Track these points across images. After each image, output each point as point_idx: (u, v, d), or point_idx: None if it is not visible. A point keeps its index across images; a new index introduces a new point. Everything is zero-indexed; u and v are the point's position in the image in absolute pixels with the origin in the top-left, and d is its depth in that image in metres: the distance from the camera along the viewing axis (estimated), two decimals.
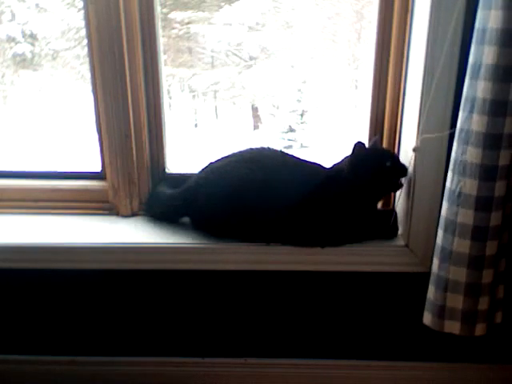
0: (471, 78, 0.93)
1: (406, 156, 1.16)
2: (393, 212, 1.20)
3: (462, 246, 1.00)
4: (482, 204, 0.96)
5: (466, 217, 0.97)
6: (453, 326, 1.06)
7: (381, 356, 1.33)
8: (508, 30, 0.86)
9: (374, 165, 1.11)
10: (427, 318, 1.09)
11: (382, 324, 1.30)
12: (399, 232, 1.21)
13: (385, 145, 1.24)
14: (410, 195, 1.14)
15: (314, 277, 1.25)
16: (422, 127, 1.07)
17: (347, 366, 1.34)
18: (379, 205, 1.28)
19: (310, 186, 1.12)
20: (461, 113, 0.96)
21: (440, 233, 1.04)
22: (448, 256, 1.02)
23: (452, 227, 1.00)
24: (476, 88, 0.92)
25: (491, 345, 1.30)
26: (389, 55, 1.18)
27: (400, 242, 1.19)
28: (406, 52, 1.15)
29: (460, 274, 1.01)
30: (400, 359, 1.33)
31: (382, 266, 1.20)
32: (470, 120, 0.93)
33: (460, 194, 0.97)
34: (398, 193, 1.21)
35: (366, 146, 1.15)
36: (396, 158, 1.15)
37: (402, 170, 1.13)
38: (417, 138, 1.08)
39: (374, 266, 1.19)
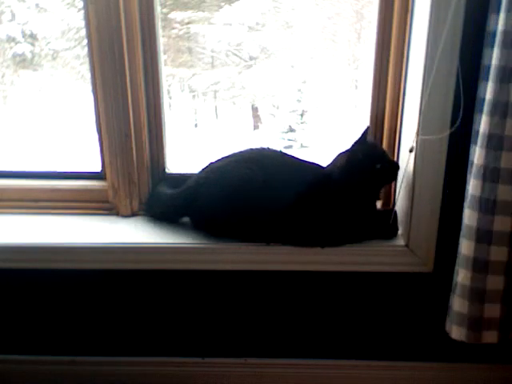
0: (502, 82, 0.89)
1: (406, 157, 1.16)
2: (392, 212, 1.20)
3: (500, 254, 0.97)
4: None
5: (504, 224, 0.95)
6: (490, 336, 1.04)
7: (381, 356, 1.33)
8: None
9: (363, 170, 1.10)
10: (459, 332, 1.06)
11: (382, 324, 1.30)
12: (399, 232, 1.21)
13: (385, 145, 1.24)
14: (410, 195, 1.14)
15: (314, 277, 1.25)
16: (422, 127, 1.07)
17: (347, 366, 1.34)
18: (379, 205, 1.28)
19: (309, 186, 1.12)
20: (487, 118, 0.92)
21: (469, 243, 1.00)
22: (484, 266, 0.99)
23: (487, 236, 0.97)
24: (509, 93, 0.89)
25: (491, 345, 1.30)
26: (389, 55, 1.18)
27: (400, 241, 1.19)
28: (405, 52, 1.15)
29: (498, 282, 0.99)
30: (400, 359, 1.33)
31: (382, 266, 1.20)
32: (503, 125, 0.90)
33: (495, 201, 0.94)
34: (397, 192, 1.21)
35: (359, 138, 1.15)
36: (385, 158, 1.13)
37: (393, 170, 1.13)
38: (416, 137, 1.08)
39: (374, 266, 1.19)
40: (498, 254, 0.97)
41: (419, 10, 1.07)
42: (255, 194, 1.11)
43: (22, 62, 1.94)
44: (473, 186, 0.97)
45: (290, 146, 2.38)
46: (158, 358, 1.35)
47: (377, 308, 1.29)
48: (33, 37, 1.90)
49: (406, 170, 1.16)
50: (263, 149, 1.18)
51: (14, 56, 1.93)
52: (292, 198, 1.11)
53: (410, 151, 1.09)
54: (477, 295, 1.02)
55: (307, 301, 1.29)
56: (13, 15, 1.84)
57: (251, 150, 1.18)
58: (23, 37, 1.90)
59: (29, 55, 1.93)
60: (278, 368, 1.35)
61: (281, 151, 1.19)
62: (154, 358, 1.35)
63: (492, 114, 0.92)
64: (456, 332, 1.06)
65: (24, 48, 1.92)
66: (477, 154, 0.96)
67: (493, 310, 1.02)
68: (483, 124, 0.94)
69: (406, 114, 1.18)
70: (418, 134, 1.07)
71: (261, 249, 1.16)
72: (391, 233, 1.21)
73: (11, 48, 1.91)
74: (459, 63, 1.02)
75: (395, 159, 1.23)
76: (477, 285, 1.01)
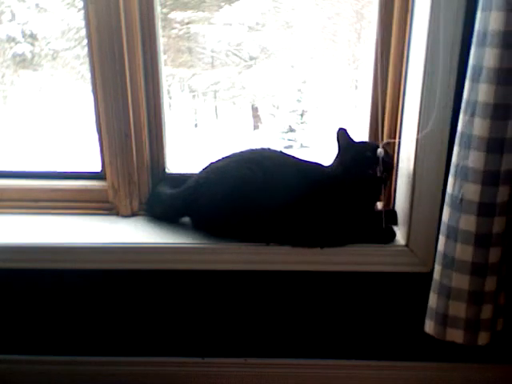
0: (472, 81, 0.91)
1: (406, 156, 1.16)
2: (382, 214, 1.18)
3: (465, 252, 0.98)
4: (485, 210, 0.94)
5: (469, 223, 0.96)
6: (455, 335, 1.04)
7: (381, 356, 1.33)
8: (510, 32, 0.84)
9: (355, 154, 1.12)
10: (429, 327, 1.07)
11: (382, 324, 1.30)
12: (398, 233, 1.21)
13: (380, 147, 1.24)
14: (410, 195, 1.14)
15: (314, 277, 1.25)
16: (422, 127, 1.07)
17: (347, 366, 1.34)
18: (380, 206, 1.28)
19: (309, 186, 1.12)
20: (462, 116, 0.94)
21: (442, 239, 1.02)
22: (450, 263, 1.00)
23: (454, 234, 0.98)
24: (478, 91, 0.90)
25: (491, 345, 1.30)
26: (389, 55, 1.18)
27: (400, 241, 1.19)
28: (406, 52, 1.15)
29: (463, 281, 1.00)
30: (400, 359, 1.33)
31: (382, 266, 1.20)
32: (472, 124, 0.91)
33: (462, 199, 0.95)
34: (398, 194, 1.21)
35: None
36: (376, 148, 1.12)
37: (384, 161, 1.11)
38: (417, 136, 1.08)
39: (374, 266, 1.19)
40: (463, 252, 0.98)
41: (419, 10, 1.07)
42: (255, 194, 1.11)
43: (22, 61, 1.93)
44: (448, 184, 0.99)
45: (290, 146, 2.37)
46: (158, 358, 1.35)
47: (377, 308, 1.29)
48: (33, 37, 1.89)
49: (406, 169, 1.16)
50: (263, 149, 1.19)
51: (14, 56, 1.93)
52: (292, 198, 1.11)
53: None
54: (443, 291, 1.03)
55: (307, 301, 1.28)
56: (13, 15, 1.84)
57: (251, 150, 1.18)
58: (23, 37, 1.90)
59: (29, 55, 1.93)
60: (278, 368, 1.35)
61: (281, 151, 1.19)
62: (154, 358, 1.35)
63: (464, 112, 0.93)
64: (427, 325, 1.08)
65: (24, 48, 1.91)
66: (453, 153, 0.98)
67: (458, 309, 1.02)
68: (459, 123, 0.96)
69: (406, 113, 1.18)
70: (420, 133, 1.08)
71: (261, 249, 1.16)
72: (385, 237, 1.19)
73: (11, 48, 1.90)
74: (459, 62, 1.02)
75: (395, 159, 1.23)
76: (444, 281, 1.02)
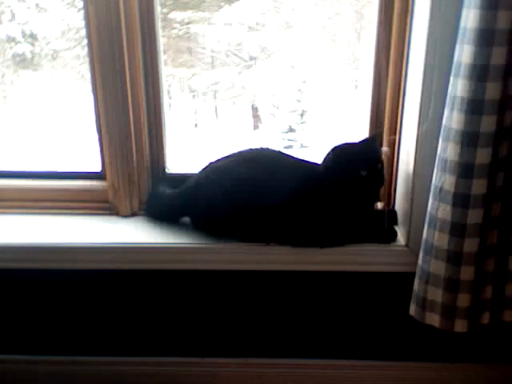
0: (453, 76, 0.95)
1: (406, 156, 1.16)
2: (384, 214, 1.18)
3: (442, 240, 1.02)
4: (459, 201, 0.98)
5: (445, 212, 1.00)
6: (433, 319, 1.08)
7: (381, 356, 1.33)
8: (482, 30, 0.87)
9: (347, 174, 1.08)
10: (412, 309, 1.12)
11: (383, 324, 1.30)
12: (399, 233, 1.21)
13: (384, 145, 1.24)
14: (409, 195, 1.14)
15: (314, 277, 1.25)
16: (422, 127, 1.07)
17: (347, 366, 1.34)
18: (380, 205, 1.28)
19: (308, 186, 1.12)
20: (445, 111, 0.98)
21: (425, 227, 1.06)
22: (430, 249, 1.04)
23: (434, 222, 1.02)
24: (456, 86, 0.93)
25: (491, 345, 1.30)
26: (389, 55, 1.18)
27: (400, 241, 1.19)
28: (406, 52, 1.15)
29: (440, 267, 1.04)
30: (400, 359, 1.33)
31: (382, 266, 1.20)
32: (451, 118, 0.95)
33: (441, 189, 0.99)
34: (398, 194, 1.21)
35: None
36: (374, 166, 1.09)
37: (378, 181, 1.11)
38: (417, 135, 1.08)
39: (374, 266, 1.19)
40: (440, 239, 1.02)
41: (419, 10, 1.07)
42: (255, 194, 1.11)
43: (22, 61, 1.93)
44: (434, 175, 1.03)
45: (290, 146, 2.37)
46: (158, 358, 1.35)
47: (377, 308, 1.29)
48: (33, 37, 1.89)
49: (405, 169, 1.16)
50: (263, 149, 1.18)
51: (14, 56, 1.93)
52: (291, 197, 1.11)
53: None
54: (423, 275, 1.07)
55: (307, 301, 1.29)
56: (13, 15, 1.84)
57: (251, 150, 1.18)
58: (23, 37, 1.90)
59: (29, 55, 1.93)
60: (278, 368, 1.35)
61: (280, 151, 1.19)
62: (154, 358, 1.35)
63: (447, 107, 0.97)
64: (411, 307, 1.12)
65: (24, 48, 1.91)
66: (439, 145, 1.01)
67: (435, 294, 1.06)
68: (444, 117, 0.99)
69: (406, 113, 1.17)
70: (419, 133, 1.08)
71: (261, 249, 1.16)
72: (388, 237, 1.19)
73: (11, 48, 1.90)
74: None
75: (395, 159, 1.23)
76: (424, 266, 1.07)
